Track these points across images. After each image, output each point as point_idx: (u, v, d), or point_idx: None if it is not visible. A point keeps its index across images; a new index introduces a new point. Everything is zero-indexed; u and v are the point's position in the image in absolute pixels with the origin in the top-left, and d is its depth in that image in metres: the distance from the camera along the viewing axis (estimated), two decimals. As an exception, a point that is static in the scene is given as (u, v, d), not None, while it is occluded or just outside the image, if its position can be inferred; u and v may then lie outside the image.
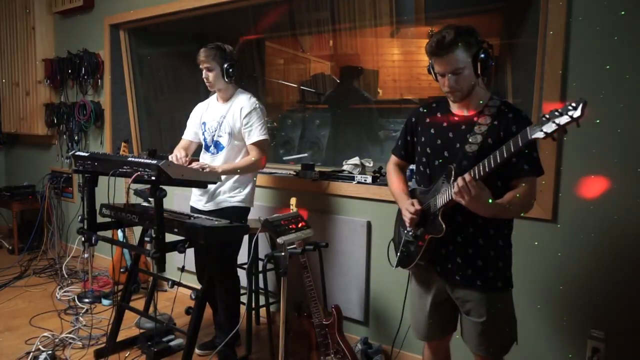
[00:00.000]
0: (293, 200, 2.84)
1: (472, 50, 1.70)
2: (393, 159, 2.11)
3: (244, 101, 2.74)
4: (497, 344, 1.85)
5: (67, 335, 3.09)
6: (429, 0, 3.42)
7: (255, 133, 2.70)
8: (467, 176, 1.62)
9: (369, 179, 2.95)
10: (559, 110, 1.43)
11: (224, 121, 2.75)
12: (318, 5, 3.87)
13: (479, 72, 1.72)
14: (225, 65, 2.68)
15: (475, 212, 1.68)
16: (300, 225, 2.23)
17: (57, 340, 3.02)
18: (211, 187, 2.74)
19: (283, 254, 2.08)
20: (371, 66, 4.04)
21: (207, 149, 2.83)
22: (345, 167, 3.15)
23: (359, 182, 2.98)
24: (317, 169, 3.19)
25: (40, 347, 2.91)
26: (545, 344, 2.38)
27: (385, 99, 4.10)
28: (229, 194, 2.76)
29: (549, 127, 1.45)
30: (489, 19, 3.38)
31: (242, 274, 3.02)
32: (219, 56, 2.68)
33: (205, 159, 2.83)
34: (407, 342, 2.64)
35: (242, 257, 2.95)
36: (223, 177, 2.69)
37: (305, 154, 4.06)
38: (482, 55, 1.70)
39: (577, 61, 2.21)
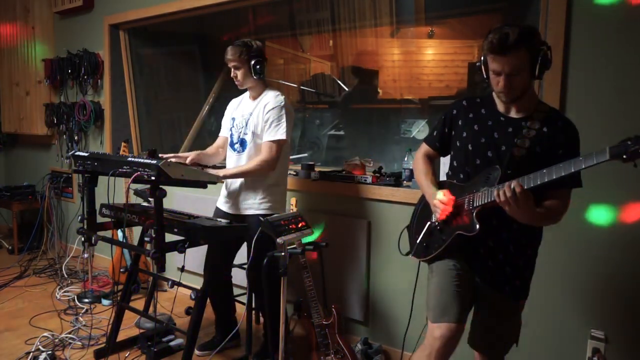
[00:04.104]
0: (293, 200, 2.85)
1: (533, 53, 1.62)
2: (424, 148, 2.04)
3: (271, 98, 2.64)
4: (507, 345, 1.91)
5: (67, 335, 3.09)
6: (429, 0, 3.42)
7: (272, 131, 2.58)
8: (516, 184, 1.56)
9: (369, 179, 2.95)
10: None
11: (250, 119, 2.66)
12: (318, 5, 3.87)
13: (536, 74, 1.65)
14: (253, 62, 2.59)
15: (511, 216, 1.63)
16: (300, 225, 2.23)
17: (57, 340, 3.01)
18: (235, 188, 2.68)
19: (283, 254, 2.08)
20: (371, 66, 4.05)
21: (232, 145, 2.73)
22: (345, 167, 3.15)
23: (359, 182, 2.98)
24: (317, 169, 3.19)
25: (40, 347, 2.91)
26: (545, 344, 2.38)
27: (385, 99, 4.10)
28: (255, 200, 2.64)
29: (633, 151, 1.36)
30: (489, 19, 3.38)
31: (241, 274, 3.02)
32: (246, 53, 2.59)
33: (230, 156, 2.75)
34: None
35: (242, 257, 2.94)
36: (247, 179, 2.63)
37: (305, 154, 4.06)
38: (542, 59, 1.63)
39: (577, 61, 2.21)
